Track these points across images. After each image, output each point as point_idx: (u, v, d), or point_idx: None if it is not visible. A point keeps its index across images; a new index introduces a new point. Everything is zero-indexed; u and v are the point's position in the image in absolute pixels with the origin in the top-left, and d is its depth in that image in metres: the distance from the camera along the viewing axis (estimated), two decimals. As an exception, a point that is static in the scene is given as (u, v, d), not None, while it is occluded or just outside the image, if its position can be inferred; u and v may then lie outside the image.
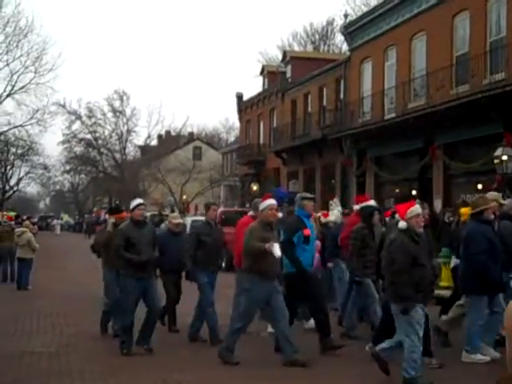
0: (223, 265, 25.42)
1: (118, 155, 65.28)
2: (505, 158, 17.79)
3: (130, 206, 10.02)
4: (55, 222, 72.86)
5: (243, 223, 10.38)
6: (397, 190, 26.82)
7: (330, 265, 13.15)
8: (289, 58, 39.81)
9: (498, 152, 17.97)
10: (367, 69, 29.01)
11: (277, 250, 8.66)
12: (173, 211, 48.23)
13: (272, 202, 9.17)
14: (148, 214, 45.21)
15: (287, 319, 8.98)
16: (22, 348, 9.89)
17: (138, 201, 9.97)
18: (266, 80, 43.19)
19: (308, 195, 10.62)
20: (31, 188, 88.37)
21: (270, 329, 9.41)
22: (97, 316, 11.24)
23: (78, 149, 66.84)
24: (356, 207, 11.90)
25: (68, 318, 12.74)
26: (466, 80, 21.56)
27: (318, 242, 15.64)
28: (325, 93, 33.81)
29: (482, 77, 20.66)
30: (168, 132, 70.46)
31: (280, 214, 10.01)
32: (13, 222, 22.32)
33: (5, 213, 32.85)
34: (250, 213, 10.89)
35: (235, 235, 10.48)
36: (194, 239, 10.50)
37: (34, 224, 34.02)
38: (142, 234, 9.64)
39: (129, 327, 9.50)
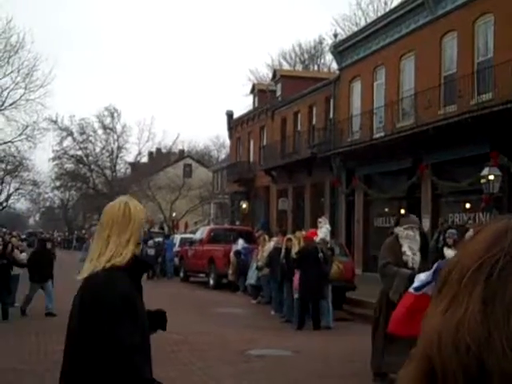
0: (211, 282, 25.81)
1: (108, 172, 65.13)
2: (491, 177, 17.87)
3: None
4: None
5: None
6: (385, 209, 26.88)
7: None
8: (279, 76, 39.97)
9: (485, 172, 18.05)
10: (356, 88, 29.17)
11: None
12: (162, 228, 48.26)
13: None
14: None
15: None
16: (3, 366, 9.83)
17: None
18: (257, 98, 43.35)
19: None
20: (21, 204, 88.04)
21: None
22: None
23: (69, 165, 66.68)
24: None
25: (53, 336, 12.63)
26: (454, 100, 21.70)
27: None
28: (314, 111, 33.95)
29: (469, 97, 20.80)
30: (159, 149, 70.41)
31: None
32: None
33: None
34: None
35: None
36: None
37: (22, 240, 33.82)
38: None
39: None
